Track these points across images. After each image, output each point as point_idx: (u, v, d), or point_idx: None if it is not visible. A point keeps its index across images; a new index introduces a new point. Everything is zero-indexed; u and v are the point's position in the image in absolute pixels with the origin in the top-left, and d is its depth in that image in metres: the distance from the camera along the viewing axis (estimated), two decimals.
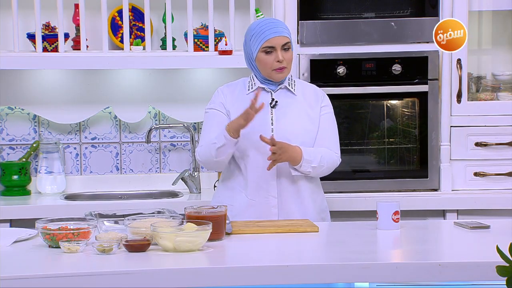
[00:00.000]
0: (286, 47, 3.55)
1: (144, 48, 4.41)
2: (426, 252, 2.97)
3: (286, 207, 3.59)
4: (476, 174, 4.38)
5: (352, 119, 4.40)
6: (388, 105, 4.42)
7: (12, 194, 4.50)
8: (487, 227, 3.29)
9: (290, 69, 3.62)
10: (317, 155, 3.55)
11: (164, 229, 2.89)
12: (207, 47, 4.45)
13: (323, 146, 3.61)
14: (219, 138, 3.48)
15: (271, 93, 3.62)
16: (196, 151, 3.64)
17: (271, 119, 3.59)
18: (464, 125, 4.37)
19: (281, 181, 3.58)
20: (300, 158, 3.51)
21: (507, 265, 1.89)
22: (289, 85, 3.63)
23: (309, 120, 3.61)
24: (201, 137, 3.65)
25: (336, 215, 4.17)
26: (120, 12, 4.51)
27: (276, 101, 3.61)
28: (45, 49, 4.38)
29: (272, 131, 3.56)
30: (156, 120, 4.71)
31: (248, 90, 3.64)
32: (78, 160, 4.68)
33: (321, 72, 4.31)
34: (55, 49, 4.39)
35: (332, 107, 3.69)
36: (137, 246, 2.88)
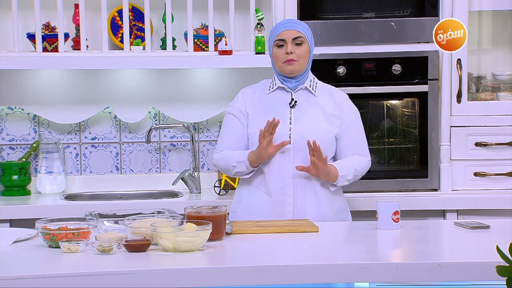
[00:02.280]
0: (298, 41, 3.59)
1: (144, 48, 4.41)
2: (426, 252, 2.97)
3: (301, 206, 3.60)
4: (476, 174, 4.38)
5: None
6: (388, 105, 4.42)
7: (12, 194, 4.50)
8: (487, 227, 3.29)
9: (304, 65, 3.62)
10: (351, 168, 3.61)
11: (164, 229, 2.89)
12: (207, 47, 4.45)
13: (354, 154, 3.65)
14: (240, 164, 3.59)
15: (291, 93, 3.64)
16: (214, 157, 3.72)
17: (290, 119, 3.61)
18: (464, 125, 4.38)
19: (297, 180, 3.60)
20: (336, 176, 3.57)
21: (507, 265, 1.89)
22: (310, 86, 3.65)
23: (328, 122, 3.63)
24: (218, 141, 3.75)
25: None
26: (120, 12, 4.51)
27: (296, 101, 3.62)
28: (45, 49, 4.38)
29: (290, 130, 3.58)
30: (156, 120, 4.71)
31: (269, 90, 3.68)
32: (78, 160, 4.68)
33: (321, 72, 4.30)
34: (55, 49, 4.39)
35: (357, 110, 3.71)
36: (137, 246, 2.88)
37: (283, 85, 3.65)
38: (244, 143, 3.67)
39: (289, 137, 3.58)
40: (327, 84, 3.77)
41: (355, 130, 3.69)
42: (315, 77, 3.72)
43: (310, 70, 3.70)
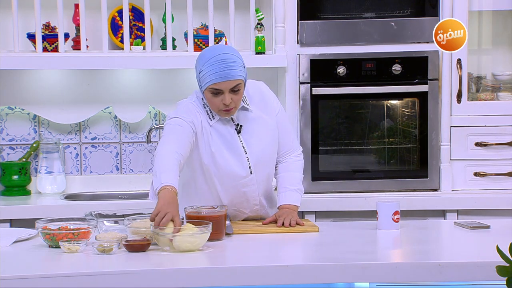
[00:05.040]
0: (236, 89, 3.28)
1: (144, 48, 4.41)
2: (426, 252, 2.97)
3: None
4: (476, 174, 4.38)
5: (352, 119, 4.40)
6: (388, 105, 4.42)
7: (12, 194, 4.50)
8: (487, 227, 3.29)
9: (240, 105, 3.36)
10: (298, 179, 3.50)
11: (164, 229, 2.89)
12: (207, 47, 4.44)
13: (287, 150, 3.51)
14: (155, 180, 3.08)
15: (232, 119, 3.41)
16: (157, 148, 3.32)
17: (243, 147, 3.40)
18: (464, 125, 4.38)
19: (262, 202, 3.48)
20: (296, 205, 3.44)
21: (507, 265, 1.89)
22: (243, 102, 3.41)
23: (272, 132, 3.46)
24: (161, 142, 3.32)
25: (336, 215, 4.17)
26: (120, 12, 4.51)
27: (241, 126, 3.42)
28: (45, 49, 4.38)
29: (248, 160, 3.39)
30: (156, 120, 4.71)
31: (210, 120, 3.39)
32: (78, 160, 4.68)
33: (321, 72, 4.32)
34: (55, 49, 4.39)
35: (278, 101, 3.52)
36: (137, 246, 2.88)
37: None
38: (189, 150, 3.31)
39: (249, 167, 3.39)
40: (247, 86, 3.46)
41: (283, 124, 3.50)
42: None
43: None
